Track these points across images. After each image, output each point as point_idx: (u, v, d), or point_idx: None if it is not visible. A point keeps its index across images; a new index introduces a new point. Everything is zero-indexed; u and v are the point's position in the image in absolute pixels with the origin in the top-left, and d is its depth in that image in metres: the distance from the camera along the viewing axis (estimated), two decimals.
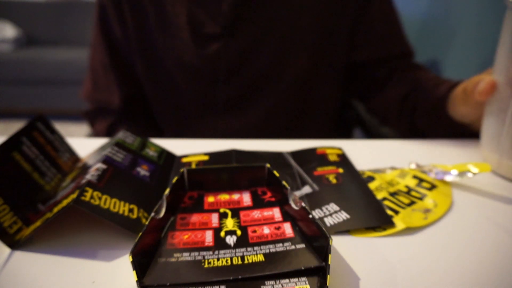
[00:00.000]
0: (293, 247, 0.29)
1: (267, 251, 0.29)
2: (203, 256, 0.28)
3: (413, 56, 0.70)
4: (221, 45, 0.61)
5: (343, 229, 0.33)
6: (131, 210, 0.33)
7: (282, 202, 0.34)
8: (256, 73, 0.63)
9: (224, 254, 0.29)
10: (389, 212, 0.35)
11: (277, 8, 0.61)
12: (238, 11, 0.60)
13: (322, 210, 0.35)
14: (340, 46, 0.66)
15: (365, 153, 0.47)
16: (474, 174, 0.39)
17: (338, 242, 0.31)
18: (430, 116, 0.57)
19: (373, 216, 0.34)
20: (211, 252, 0.29)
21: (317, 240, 0.28)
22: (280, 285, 0.25)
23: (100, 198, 0.31)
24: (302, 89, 0.66)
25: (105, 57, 0.68)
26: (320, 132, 0.69)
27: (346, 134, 0.82)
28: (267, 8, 0.61)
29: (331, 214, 0.34)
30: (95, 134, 0.73)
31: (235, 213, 0.34)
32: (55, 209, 0.31)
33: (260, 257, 0.28)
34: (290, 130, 0.67)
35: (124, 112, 0.71)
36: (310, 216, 0.29)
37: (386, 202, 0.36)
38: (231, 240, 0.30)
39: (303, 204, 0.30)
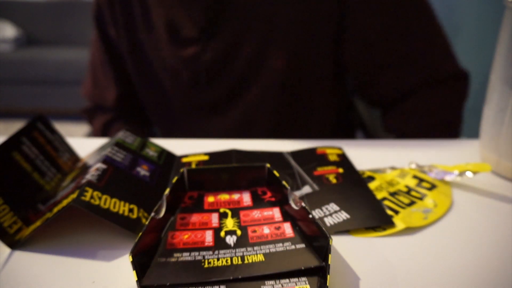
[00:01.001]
0: (293, 247, 0.29)
1: (267, 251, 0.29)
2: (203, 256, 0.28)
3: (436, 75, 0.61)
4: (199, 48, 0.61)
5: (343, 229, 0.33)
6: (131, 210, 0.33)
7: (282, 202, 0.34)
8: (235, 75, 0.62)
9: (224, 254, 0.29)
10: (389, 212, 0.35)
11: (254, 7, 0.58)
12: (214, 13, 0.59)
13: (322, 210, 0.35)
14: (324, 48, 0.61)
15: (365, 153, 0.47)
16: (474, 174, 0.39)
17: (338, 242, 0.31)
18: None
19: (373, 216, 0.34)
20: (211, 252, 0.29)
21: (317, 240, 0.28)
22: (280, 285, 0.25)
23: (100, 198, 0.31)
24: (284, 93, 0.63)
25: (102, 54, 0.70)
26: (316, 135, 0.68)
27: (347, 137, 0.79)
28: (243, 8, 0.59)
29: (331, 214, 0.34)
30: (93, 132, 0.74)
31: (235, 213, 0.34)
32: (55, 209, 0.31)
33: (260, 257, 0.28)
34: (277, 132, 0.65)
35: (119, 110, 0.72)
36: (310, 216, 0.29)
37: (386, 202, 0.36)
38: (231, 240, 0.30)
39: (303, 204, 0.30)
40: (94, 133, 0.74)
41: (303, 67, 0.62)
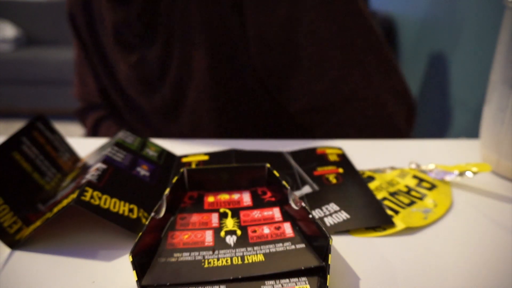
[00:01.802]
0: (293, 247, 0.29)
1: (267, 251, 0.29)
2: (203, 256, 0.28)
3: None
4: (140, 55, 0.61)
5: (343, 229, 0.33)
6: (131, 210, 0.33)
7: (282, 202, 0.34)
8: (173, 81, 0.61)
9: (224, 254, 0.29)
10: (389, 212, 0.35)
11: (174, 11, 0.57)
12: (148, 20, 0.58)
13: (322, 210, 0.35)
14: (239, 45, 0.57)
15: (365, 153, 0.47)
16: (474, 174, 0.39)
17: (338, 242, 0.31)
18: None
19: (373, 216, 0.34)
20: (211, 252, 0.29)
21: (317, 240, 0.28)
22: (280, 285, 0.25)
23: (100, 198, 0.31)
24: (217, 94, 0.60)
25: (80, 51, 0.71)
26: (270, 135, 0.63)
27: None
28: (168, 11, 0.57)
29: (331, 214, 0.34)
30: (87, 132, 0.75)
31: (235, 213, 0.34)
32: (55, 209, 0.31)
33: (260, 257, 0.28)
34: (226, 135, 0.63)
35: (107, 107, 0.73)
36: (310, 216, 0.29)
37: (386, 202, 0.36)
38: (231, 240, 0.30)
39: (303, 204, 0.30)
40: (87, 133, 0.75)
41: (226, 66, 0.58)
